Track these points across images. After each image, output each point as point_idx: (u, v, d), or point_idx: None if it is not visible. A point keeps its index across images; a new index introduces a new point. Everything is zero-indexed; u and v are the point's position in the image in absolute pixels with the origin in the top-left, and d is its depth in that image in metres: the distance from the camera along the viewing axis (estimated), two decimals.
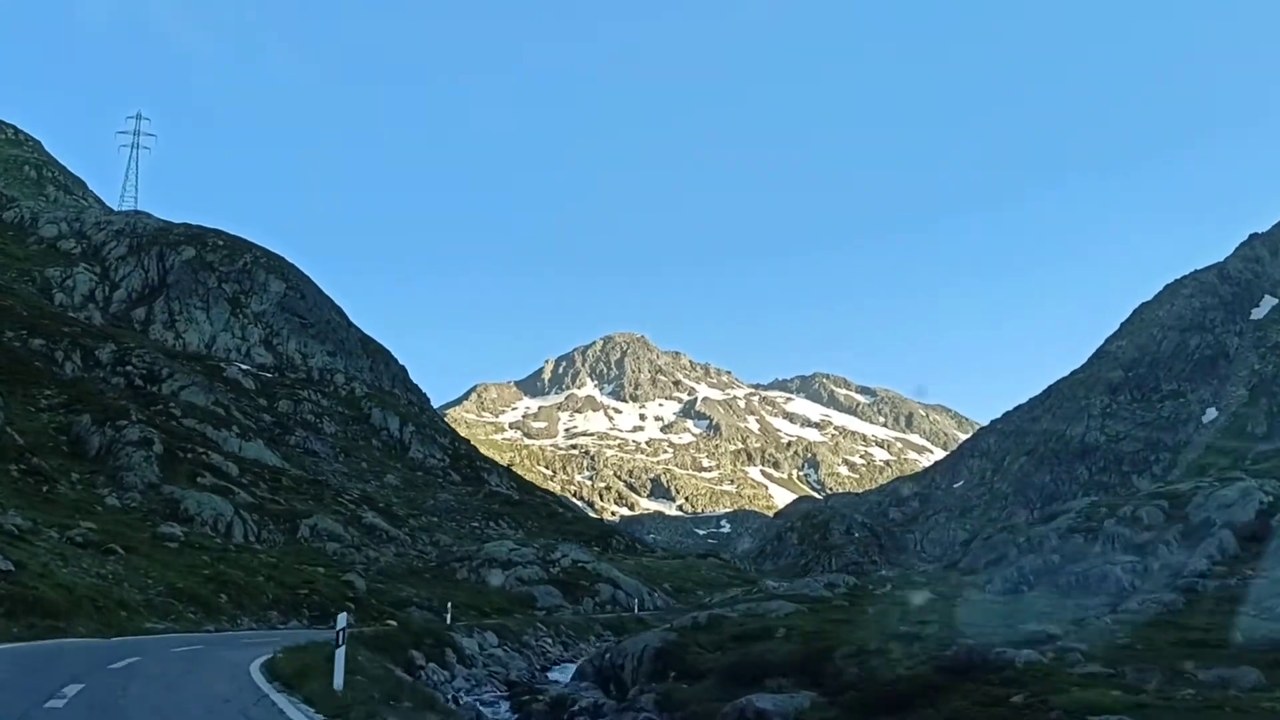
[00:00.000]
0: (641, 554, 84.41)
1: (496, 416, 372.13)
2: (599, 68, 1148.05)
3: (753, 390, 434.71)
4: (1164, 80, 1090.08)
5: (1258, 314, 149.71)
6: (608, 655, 30.00)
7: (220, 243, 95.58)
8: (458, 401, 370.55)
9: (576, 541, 70.30)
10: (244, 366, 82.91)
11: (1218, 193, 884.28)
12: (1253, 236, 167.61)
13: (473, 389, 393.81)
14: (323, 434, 75.78)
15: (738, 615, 31.05)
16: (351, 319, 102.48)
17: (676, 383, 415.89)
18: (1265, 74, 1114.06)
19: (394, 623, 36.62)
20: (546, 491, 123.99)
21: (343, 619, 16.36)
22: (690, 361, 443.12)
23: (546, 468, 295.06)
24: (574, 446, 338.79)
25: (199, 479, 48.85)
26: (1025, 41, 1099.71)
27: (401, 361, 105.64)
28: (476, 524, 67.76)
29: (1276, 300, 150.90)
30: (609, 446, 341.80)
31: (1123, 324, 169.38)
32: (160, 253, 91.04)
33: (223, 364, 79.75)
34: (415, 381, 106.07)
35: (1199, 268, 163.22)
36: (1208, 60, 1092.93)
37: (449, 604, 43.45)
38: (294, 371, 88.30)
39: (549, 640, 45.22)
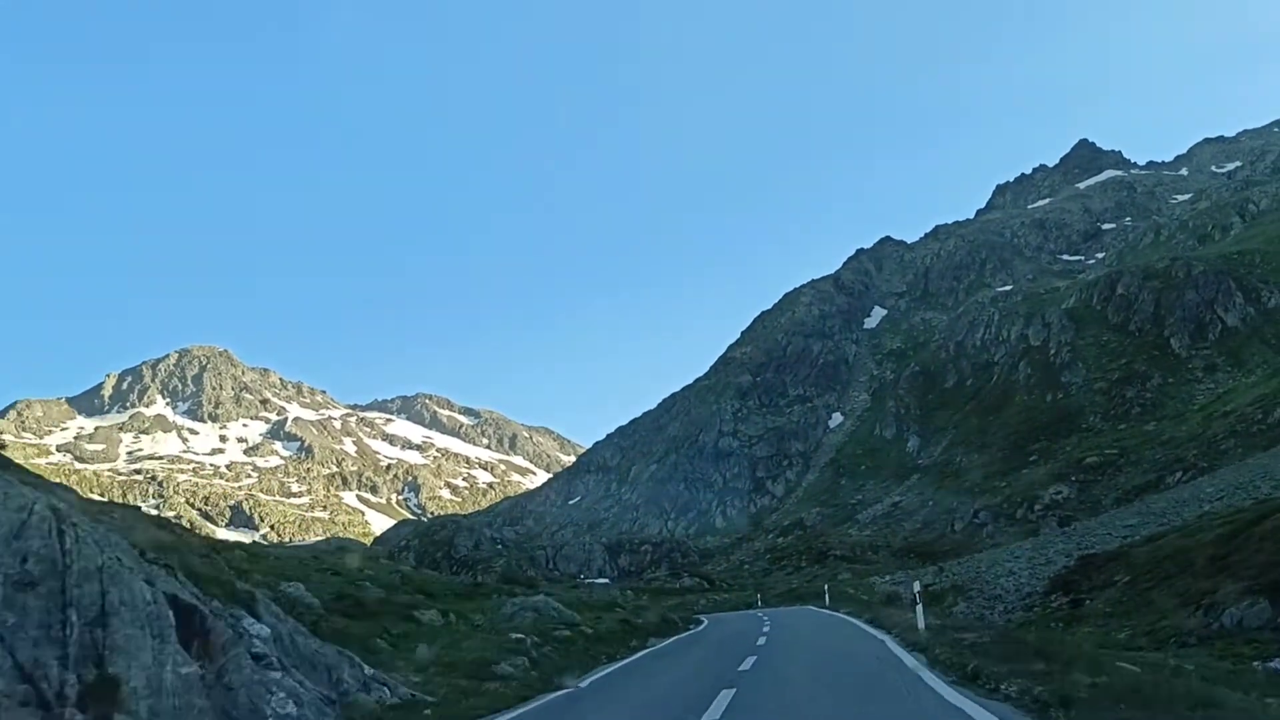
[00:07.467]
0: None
1: (41, 438, 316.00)
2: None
3: (350, 411, 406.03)
4: (784, 113, 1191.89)
5: (870, 323, 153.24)
6: None
7: None
8: None
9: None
10: None
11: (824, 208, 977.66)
12: (860, 251, 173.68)
13: (11, 405, 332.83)
14: None
15: None
16: None
17: (264, 401, 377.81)
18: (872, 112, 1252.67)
19: None
20: (122, 504, 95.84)
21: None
22: (281, 379, 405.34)
23: (103, 495, 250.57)
24: (138, 471, 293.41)
25: None
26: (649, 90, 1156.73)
27: None
28: None
29: (885, 311, 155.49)
30: (182, 471, 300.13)
31: (744, 332, 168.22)
32: None
33: None
34: None
35: (815, 278, 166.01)
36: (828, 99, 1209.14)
37: None
38: None
39: None
